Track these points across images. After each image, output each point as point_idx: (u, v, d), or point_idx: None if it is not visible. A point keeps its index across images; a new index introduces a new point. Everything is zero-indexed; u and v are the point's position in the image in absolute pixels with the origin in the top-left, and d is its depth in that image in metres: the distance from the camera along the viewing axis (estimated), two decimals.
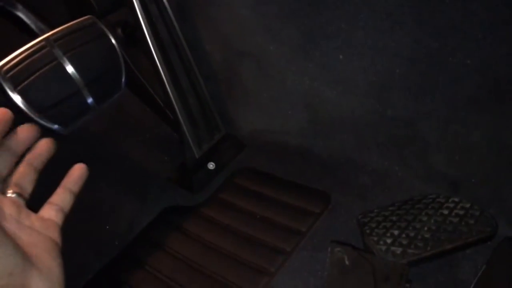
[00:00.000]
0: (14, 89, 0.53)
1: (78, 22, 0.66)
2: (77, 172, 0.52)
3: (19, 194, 0.47)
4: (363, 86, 0.86)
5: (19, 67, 0.55)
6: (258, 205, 0.93)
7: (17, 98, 0.54)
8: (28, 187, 0.49)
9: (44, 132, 0.53)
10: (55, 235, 0.46)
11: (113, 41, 0.70)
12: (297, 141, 1.03)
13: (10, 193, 0.47)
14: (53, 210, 0.49)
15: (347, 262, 0.69)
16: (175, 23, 0.98)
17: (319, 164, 0.98)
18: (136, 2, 0.89)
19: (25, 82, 0.55)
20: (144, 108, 1.09)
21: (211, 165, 1.04)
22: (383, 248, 0.71)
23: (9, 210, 0.44)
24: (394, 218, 0.76)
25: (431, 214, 0.75)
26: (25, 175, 0.49)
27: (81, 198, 1.08)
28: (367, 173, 0.92)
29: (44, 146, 0.50)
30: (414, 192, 0.84)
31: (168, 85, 0.95)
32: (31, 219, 0.46)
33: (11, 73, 0.54)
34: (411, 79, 0.80)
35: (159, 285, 0.81)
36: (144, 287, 0.83)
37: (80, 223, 0.95)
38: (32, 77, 0.56)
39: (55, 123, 0.58)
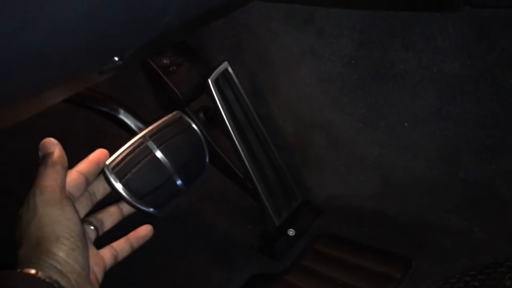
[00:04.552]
0: (119, 182, 0.63)
1: (168, 118, 0.76)
2: (144, 232, 0.60)
3: (95, 227, 0.55)
4: (432, 151, 0.89)
5: (123, 163, 0.65)
6: (339, 271, 0.95)
7: (120, 188, 0.63)
8: (107, 225, 0.57)
9: (142, 216, 0.63)
10: (99, 272, 0.52)
11: (197, 130, 0.80)
12: (373, 205, 1.05)
13: (87, 224, 0.55)
14: (109, 253, 0.55)
15: None
16: (248, 104, 1.08)
17: (397, 227, 0.99)
18: (214, 90, 1.01)
19: (128, 176, 0.65)
20: (226, 181, 1.18)
21: (291, 232, 1.09)
22: None
23: None
24: (476, 283, 0.75)
25: None
26: (111, 216, 0.58)
27: (176, 267, 1.17)
28: (446, 235, 0.92)
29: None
30: (496, 253, 0.82)
31: (246, 159, 1.04)
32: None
33: (116, 168, 0.64)
34: (480, 142, 0.82)
35: None
36: None
37: None
38: (133, 170, 0.66)
39: (151, 207, 0.67)
